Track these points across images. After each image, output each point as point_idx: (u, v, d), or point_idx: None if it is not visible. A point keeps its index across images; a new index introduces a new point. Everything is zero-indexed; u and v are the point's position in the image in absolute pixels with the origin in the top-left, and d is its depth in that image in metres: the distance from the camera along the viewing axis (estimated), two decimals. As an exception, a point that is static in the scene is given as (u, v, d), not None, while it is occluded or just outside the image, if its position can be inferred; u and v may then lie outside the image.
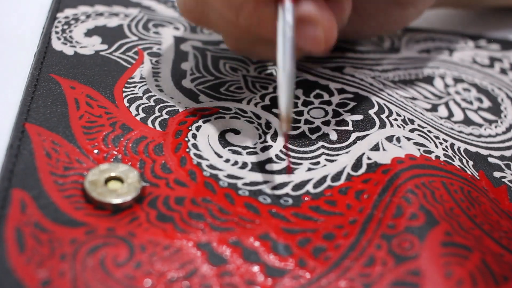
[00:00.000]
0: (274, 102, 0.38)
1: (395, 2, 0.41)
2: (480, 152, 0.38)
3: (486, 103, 0.44)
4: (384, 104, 0.38)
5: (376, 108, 0.37)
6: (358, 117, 0.37)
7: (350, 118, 0.37)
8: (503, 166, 0.38)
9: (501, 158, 0.39)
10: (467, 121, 0.41)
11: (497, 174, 0.37)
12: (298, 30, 0.31)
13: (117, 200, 0.29)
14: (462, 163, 0.36)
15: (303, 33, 0.32)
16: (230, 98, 0.37)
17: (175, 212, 0.30)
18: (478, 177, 0.36)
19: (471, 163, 0.37)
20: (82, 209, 0.29)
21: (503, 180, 0.37)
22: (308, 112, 0.37)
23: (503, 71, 0.48)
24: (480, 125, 0.41)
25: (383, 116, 0.37)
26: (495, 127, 0.41)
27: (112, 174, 0.31)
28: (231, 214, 0.30)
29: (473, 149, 0.38)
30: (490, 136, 0.40)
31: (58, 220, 0.28)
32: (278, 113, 0.30)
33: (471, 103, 0.43)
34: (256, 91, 0.38)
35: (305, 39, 0.32)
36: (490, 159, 0.38)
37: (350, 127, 0.36)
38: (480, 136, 0.40)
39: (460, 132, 0.40)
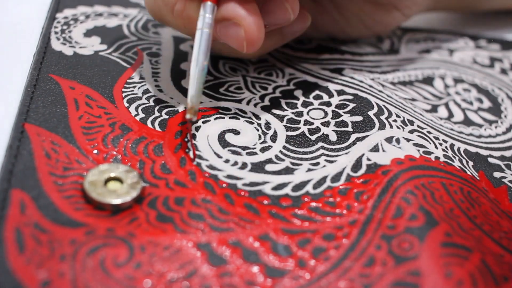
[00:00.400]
0: (274, 103, 0.38)
1: (378, 5, 0.42)
2: (480, 153, 0.38)
3: (486, 104, 0.44)
4: (384, 106, 0.38)
5: (375, 109, 0.37)
6: (358, 118, 0.37)
7: (349, 119, 0.37)
8: (503, 167, 0.38)
9: (501, 158, 0.39)
10: (467, 122, 0.41)
11: (497, 174, 0.37)
12: (222, 28, 0.34)
13: (116, 201, 0.29)
14: (462, 164, 0.36)
15: (226, 32, 0.33)
16: (229, 98, 0.37)
17: (174, 213, 0.30)
18: (478, 178, 0.36)
19: (471, 163, 0.37)
20: (81, 209, 0.29)
21: (503, 180, 0.37)
22: (307, 113, 0.37)
23: (503, 71, 0.48)
24: (480, 126, 0.41)
25: (383, 117, 0.37)
26: (495, 127, 0.41)
27: (112, 175, 0.31)
28: (231, 215, 0.30)
29: (473, 149, 0.38)
30: (490, 136, 0.40)
31: (58, 221, 0.28)
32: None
33: (471, 103, 0.43)
34: (255, 92, 0.38)
35: (227, 37, 0.34)
36: (490, 160, 0.38)
37: (349, 128, 0.36)
38: (480, 136, 0.40)
39: (460, 132, 0.40)
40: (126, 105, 0.35)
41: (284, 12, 0.35)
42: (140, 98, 0.36)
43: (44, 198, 0.29)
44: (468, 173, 0.35)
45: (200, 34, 0.33)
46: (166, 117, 0.35)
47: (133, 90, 0.36)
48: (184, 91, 0.37)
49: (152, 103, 0.36)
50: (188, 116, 0.32)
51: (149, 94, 0.36)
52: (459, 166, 0.35)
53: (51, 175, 0.30)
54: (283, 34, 0.38)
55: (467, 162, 0.37)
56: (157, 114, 0.35)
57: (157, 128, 0.34)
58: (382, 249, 0.29)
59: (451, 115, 0.41)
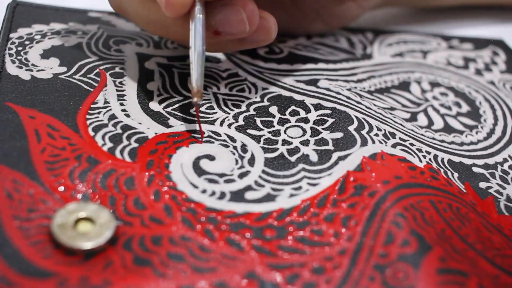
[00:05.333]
0: (249, 122, 0.36)
1: None
2: (464, 162, 0.37)
3: (465, 108, 0.42)
4: (363, 119, 0.36)
5: (355, 124, 0.36)
6: (338, 134, 0.35)
7: (329, 136, 0.35)
8: (487, 175, 0.37)
9: (485, 166, 0.37)
10: (448, 129, 0.40)
11: (482, 184, 0.36)
12: (224, 16, 0.33)
13: (89, 245, 0.27)
14: (447, 176, 0.35)
15: (228, 17, 0.33)
16: (201, 119, 0.35)
17: (152, 254, 0.27)
18: (464, 191, 0.34)
19: (456, 175, 0.35)
20: (50, 256, 0.27)
21: (489, 190, 0.35)
22: (285, 132, 0.35)
23: (478, 72, 0.47)
24: (461, 132, 0.40)
25: (364, 132, 0.35)
26: (476, 133, 0.40)
27: (81, 215, 0.28)
28: (213, 252, 0.28)
29: (456, 159, 0.37)
30: (472, 143, 0.39)
31: (25, 272, 0.26)
32: (190, 88, 0.35)
33: (449, 108, 0.42)
34: (228, 110, 0.36)
35: (231, 23, 0.33)
36: (475, 169, 0.37)
37: (330, 146, 0.34)
38: (462, 144, 0.39)
39: (442, 141, 0.38)
40: (92, 133, 0.33)
41: (239, 21, 0.34)
42: (106, 125, 0.33)
43: (8, 247, 0.27)
44: (455, 186, 0.34)
45: (194, 22, 0.33)
46: (136, 145, 0.33)
47: (98, 117, 0.34)
48: (152, 115, 0.35)
49: (119, 130, 0.33)
50: (195, 99, 0.32)
51: (115, 120, 0.34)
52: (445, 180, 0.34)
53: (15, 219, 0.28)
54: (243, 41, 0.36)
55: (452, 174, 0.35)
56: (125, 142, 0.33)
57: (127, 159, 0.32)
58: (376, 280, 0.27)
59: (431, 122, 0.40)
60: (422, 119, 0.40)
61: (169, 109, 0.36)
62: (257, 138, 0.34)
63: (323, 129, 0.35)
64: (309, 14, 0.44)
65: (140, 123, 0.34)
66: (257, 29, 0.35)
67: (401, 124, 0.38)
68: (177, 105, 0.36)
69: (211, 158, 0.33)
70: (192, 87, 0.33)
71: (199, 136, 0.34)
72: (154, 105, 0.36)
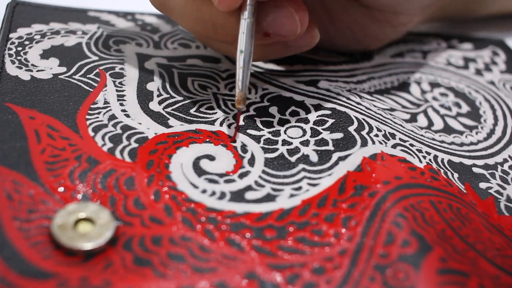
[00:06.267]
0: (249, 123, 0.35)
1: (371, 17, 0.40)
2: (464, 162, 0.37)
3: (465, 108, 0.42)
4: (363, 119, 0.36)
5: (355, 124, 0.36)
6: (338, 135, 0.35)
7: (329, 136, 0.35)
8: (488, 176, 0.37)
9: (485, 167, 0.37)
10: (448, 129, 0.40)
11: (483, 185, 0.36)
12: (276, 17, 0.33)
13: (89, 245, 0.27)
14: (447, 176, 0.35)
15: (281, 18, 0.33)
16: (201, 120, 0.35)
17: (152, 254, 0.27)
18: (465, 191, 0.34)
19: (456, 175, 0.35)
20: (51, 257, 0.27)
21: (489, 191, 0.35)
22: (285, 132, 0.35)
23: (478, 72, 0.47)
24: (461, 133, 0.40)
25: (364, 133, 0.35)
26: (476, 133, 0.40)
27: (82, 215, 0.28)
28: (213, 252, 0.28)
29: (456, 159, 0.37)
30: (472, 144, 0.39)
31: (26, 273, 0.26)
32: (236, 94, 0.33)
33: (449, 109, 0.42)
34: (228, 111, 0.36)
35: (283, 24, 0.33)
36: (475, 169, 0.37)
37: (330, 147, 0.34)
38: (462, 144, 0.39)
39: (442, 142, 0.38)
40: (92, 134, 0.33)
41: (291, 23, 0.33)
42: (106, 126, 0.33)
43: (8, 248, 0.26)
44: (455, 186, 0.34)
45: (245, 23, 0.32)
46: (136, 145, 0.32)
47: (98, 117, 0.34)
48: (152, 115, 0.35)
49: (119, 130, 0.33)
50: (240, 106, 0.33)
51: (115, 121, 0.34)
52: (445, 180, 0.34)
53: (15, 220, 0.28)
54: (288, 46, 0.36)
55: (452, 175, 0.35)
56: (125, 142, 0.33)
57: (127, 159, 0.32)
58: (376, 281, 0.27)
59: (431, 123, 0.40)
60: (422, 120, 0.40)
61: (169, 109, 0.36)
62: (257, 138, 0.34)
63: (323, 129, 0.35)
64: (343, 32, 0.42)
65: (140, 123, 0.34)
66: (303, 34, 0.35)
67: (401, 125, 0.38)
68: (177, 105, 0.36)
69: (211, 158, 0.33)
70: (239, 93, 0.32)
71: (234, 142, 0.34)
72: (154, 105, 0.36)
